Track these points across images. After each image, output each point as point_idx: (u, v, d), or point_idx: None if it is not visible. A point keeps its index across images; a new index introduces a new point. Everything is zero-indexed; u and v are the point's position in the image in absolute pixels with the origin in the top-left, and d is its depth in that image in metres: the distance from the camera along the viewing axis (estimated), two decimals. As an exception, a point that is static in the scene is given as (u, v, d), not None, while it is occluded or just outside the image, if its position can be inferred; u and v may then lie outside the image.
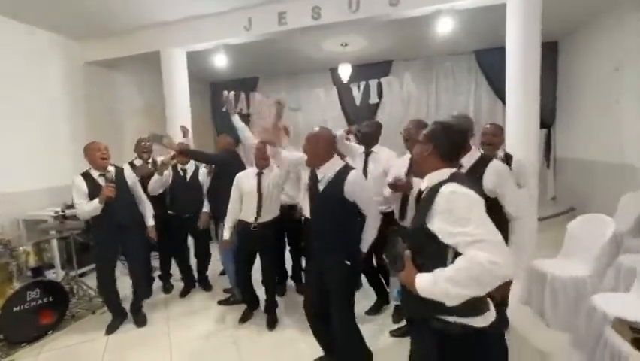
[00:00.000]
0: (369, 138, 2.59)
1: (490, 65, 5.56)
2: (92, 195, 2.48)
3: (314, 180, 1.89)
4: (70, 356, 2.42)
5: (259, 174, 2.54)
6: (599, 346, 1.74)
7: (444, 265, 1.01)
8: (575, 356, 2.05)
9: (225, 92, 4.27)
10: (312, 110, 6.63)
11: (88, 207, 2.46)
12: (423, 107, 6.16)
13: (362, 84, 3.97)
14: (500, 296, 1.52)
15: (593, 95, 4.59)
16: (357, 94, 3.98)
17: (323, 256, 1.90)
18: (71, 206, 3.79)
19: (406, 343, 2.25)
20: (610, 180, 4.18)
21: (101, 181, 2.52)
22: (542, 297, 2.47)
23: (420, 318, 1.14)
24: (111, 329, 2.68)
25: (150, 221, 2.82)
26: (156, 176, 3.04)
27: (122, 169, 2.74)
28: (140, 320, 2.77)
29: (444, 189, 1.06)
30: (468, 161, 1.67)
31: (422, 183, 1.21)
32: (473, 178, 1.50)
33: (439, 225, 1.03)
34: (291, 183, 2.79)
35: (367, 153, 2.59)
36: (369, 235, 1.91)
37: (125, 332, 2.68)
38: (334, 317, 1.88)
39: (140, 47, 4.31)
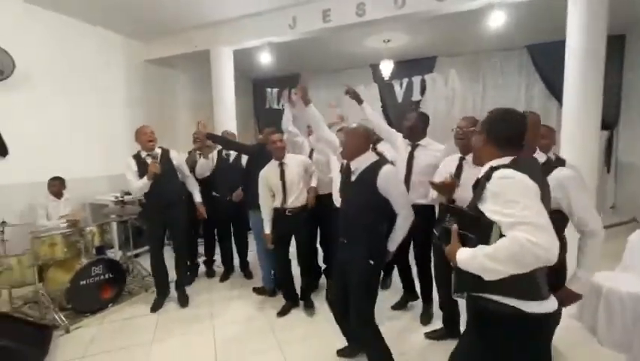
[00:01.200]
0: (412, 131, 2.49)
1: (545, 60, 5.18)
2: (141, 174, 2.77)
3: (347, 172, 1.89)
4: (128, 327, 2.69)
5: (281, 165, 2.65)
6: (661, 369, 1.61)
7: (487, 243, 1.04)
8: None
9: (268, 90, 4.41)
10: (352, 107, 6.61)
11: (139, 184, 2.75)
12: (468, 106, 5.90)
13: (405, 81, 3.89)
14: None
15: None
16: (399, 91, 3.92)
17: (348, 251, 1.89)
18: (129, 193, 4.18)
19: (437, 346, 2.25)
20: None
21: (149, 160, 2.79)
22: (596, 312, 2.30)
23: (467, 294, 1.18)
24: (156, 307, 2.92)
25: (198, 197, 3.08)
26: (202, 160, 3.26)
27: (168, 150, 2.97)
28: (183, 300, 2.99)
29: (496, 173, 1.08)
30: None
31: (481, 171, 1.20)
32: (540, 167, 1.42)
33: (488, 206, 1.07)
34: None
35: (414, 146, 2.50)
36: (398, 234, 1.88)
37: (174, 312, 2.91)
38: (352, 314, 1.88)
39: (193, 45, 4.58)
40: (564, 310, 1.54)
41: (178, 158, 3.03)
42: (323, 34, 4.16)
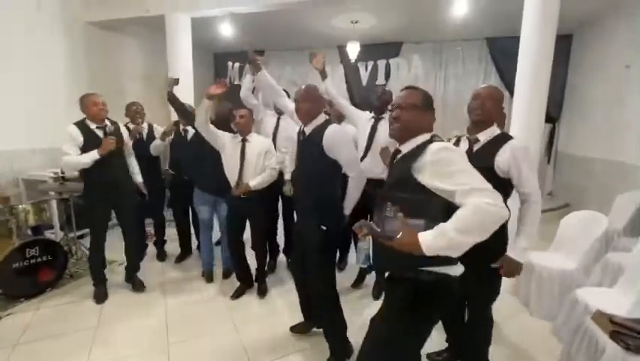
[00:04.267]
0: (384, 106, 2.53)
1: (502, 53, 5.45)
2: (86, 147, 2.40)
3: (301, 136, 1.87)
4: (70, 312, 2.50)
5: (243, 141, 2.49)
6: (578, 335, 1.82)
7: (437, 219, 1.03)
8: (553, 344, 2.14)
9: (230, 63, 4.18)
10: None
11: (84, 159, 2.38)
12: (429, 91, 6.07)
13: (370, 64, 3.87)
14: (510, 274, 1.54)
15: (602, 92, 4.54)
16: (364, 74, 3.90)
17: (302, 218, 1.88)
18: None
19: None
20: (609, 178, 4.20)
21: (99, 133, 2.48)
22: (529, 287, 2.54)
23: (402, 273, 1.20)
24: (101, 297, 2.64)
25: (138, 177, 2.86)
26: (158, 141, 3.07)
27: (118, 124, 2.68)
28: (138, 285, 2.80)
29: (433, 146, 1.11)
30: (485, 136, 1.57)
31: (404, 146, 1.23)
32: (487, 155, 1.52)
33: (430, 177, 1.08)
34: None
35: (377, 119, 2.54)
36: (350, 197, 1.85)
37: (121, 295, 2.74)
38: (312, 281, 1.88)
39: (144, 9, 4.17)
40: (502, 287, 1.68)
41: (126, 134, 2.76)
42: (289, 9, 3.99)
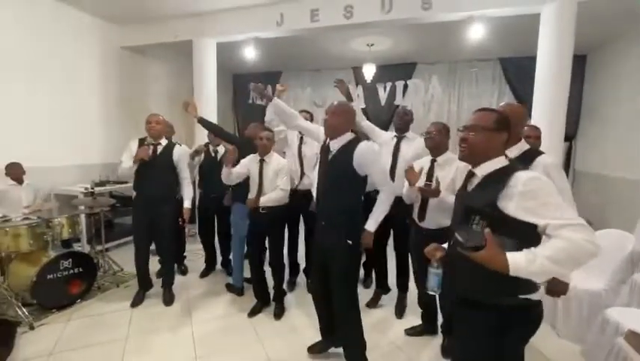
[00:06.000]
0: (407, 125, 2.64)
1: (515, 73, 5.53)
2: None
3: (325, 152, 1.87)
4: (98, 324, 2.57)
5: (261, 161, 2.59)
6: (611, 356, 1.79)
7: (529, 244, 1.04)
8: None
9: (252, 84, 4.34)
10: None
11: (126, 164, 2.72)
12: (444, 111, 6.16)
13: (388, 85, 3.98)
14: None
15: (618, 111, 4.54)
16: (383, 94, 4.00)
17: (325, 234, 1.87)
18: (99, 184, 3.99)
19: (413, 340, 2.35)
20: (629, 196, 4.14)
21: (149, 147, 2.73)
22: (556, 308, 2.51)
23: (485, 299, 1.16)
24: (137, 301, 2.81)
25: (187, 203, 2.85)
26: (189, 160, 3.20)
27: (174, 144, 2.86)
28: (168, 299, 2.87)
29: (522, 175, 1.09)
30: (514, 152, 1.55)
31: (479, 169, 1.21)
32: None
33: (517, 208, 1.06)
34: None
35: (400, 138, 2.60)
36: (379, 211, 1.83)
37: (148, 308, 2.81)
38: (334, 298, 1.87)
39: (174, 35, 4.43)
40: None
41: (181, 155, 2.85)
42: (309, 34, 4.18)
